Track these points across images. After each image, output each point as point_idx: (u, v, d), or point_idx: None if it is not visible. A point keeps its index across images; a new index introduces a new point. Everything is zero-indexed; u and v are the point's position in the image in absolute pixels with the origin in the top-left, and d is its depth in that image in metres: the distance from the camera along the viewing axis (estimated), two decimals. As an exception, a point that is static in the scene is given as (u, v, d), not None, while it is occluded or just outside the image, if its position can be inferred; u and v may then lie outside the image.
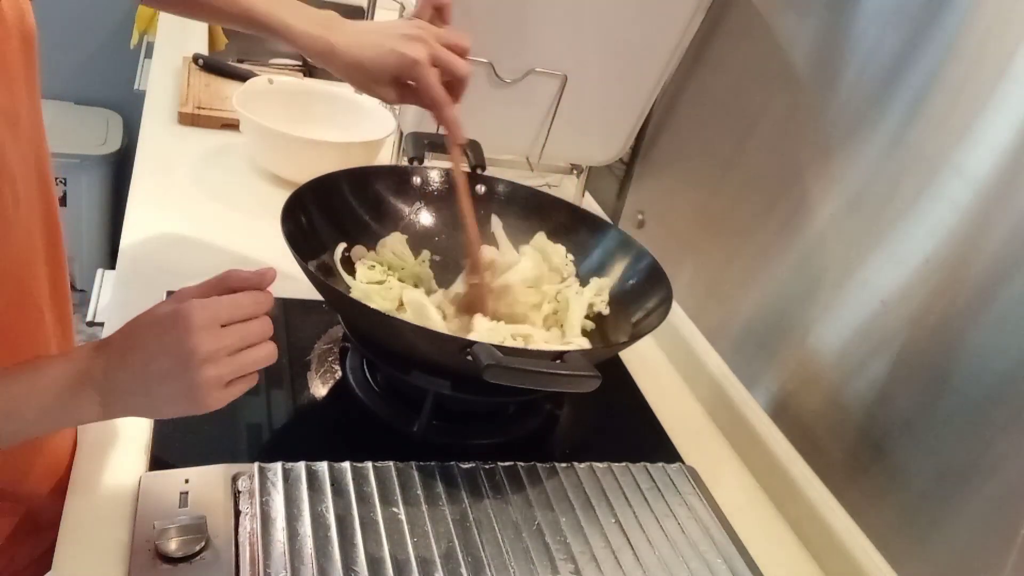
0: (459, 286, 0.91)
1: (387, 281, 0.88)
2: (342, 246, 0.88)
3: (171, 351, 0.54)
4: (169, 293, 0.86)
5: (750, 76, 0.98)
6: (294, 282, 0.82)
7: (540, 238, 0.93)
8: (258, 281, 0.59)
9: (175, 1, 0.82)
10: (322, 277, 0.76)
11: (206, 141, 1.27)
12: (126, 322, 0.57)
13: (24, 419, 0.55)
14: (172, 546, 0.60)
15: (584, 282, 0.91)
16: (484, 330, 0.79)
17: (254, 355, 0.57)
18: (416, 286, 0.90)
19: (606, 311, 0.88)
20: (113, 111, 2.36)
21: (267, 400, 0.79)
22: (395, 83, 0.77)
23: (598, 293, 0.88)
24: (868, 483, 0.77)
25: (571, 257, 0.92)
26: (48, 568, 0.78)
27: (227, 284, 0.58)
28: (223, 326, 0.55)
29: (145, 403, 0.56)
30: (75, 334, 0.82)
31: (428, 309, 0.80)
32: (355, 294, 0.84)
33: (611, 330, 0.87)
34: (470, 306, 0.85)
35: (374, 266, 0.89)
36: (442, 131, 0.81)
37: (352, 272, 0.88)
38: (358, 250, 0.90)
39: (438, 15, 0.79)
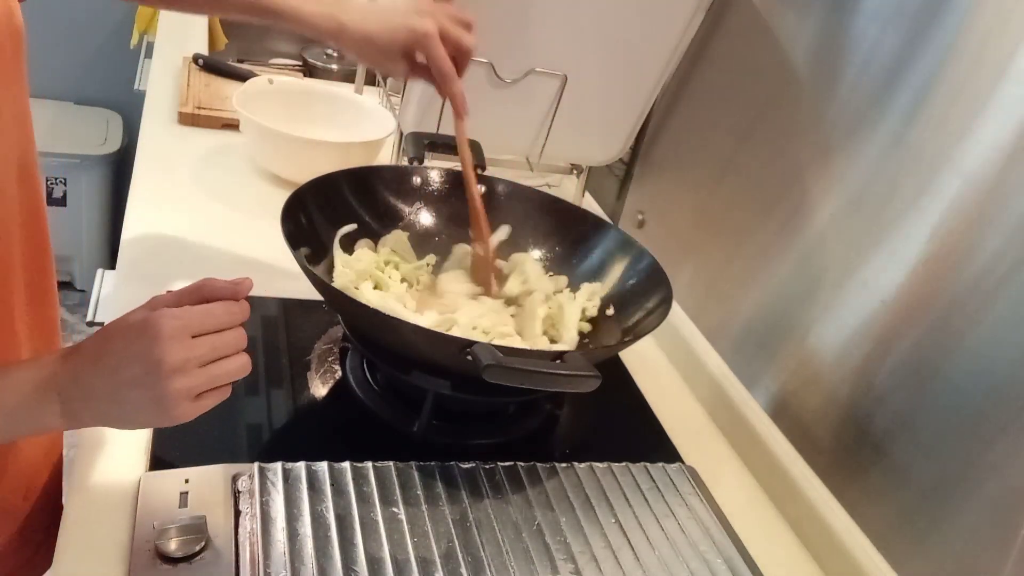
0: (444, 281, 0.92)
1: (386, 271, 0.89)
2: (340, 233, 0.89)
3: (140, 359, 0.52)
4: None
5: (750, 76, 0.98)
6: (294, 282, 0.82)
7: (520, 256, 0.94)
8: (233, 291, 0.57)
9: None
10: (322, 277, 0.76)
11: (206, 141, 1.27)
12: (98, 330, 0.56)
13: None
14: (172, 546, 0.60)
15: (576, 287, 0.91)
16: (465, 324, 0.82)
17: (226, 367, 0.55)
18: (412, 286, 0.90)
19: (597, 314, 0.88)
20: (113, 111, 2.36)
21: (267, 400, 0.79)
22: (405, 57, 0.78)
23: (589, 298, 0.89)
24: (868, 483, 0.77)
25: (551, 273, 0.94)
26: (43, 568, 0.78)
27: (202, 293, 0.57)
28: (195, 336, 0.54)
29: (113, 411, 0.55)
30: (75, 335, 0.82)
31: (390, 304, 0.82)
32: (338, 279, 0.85)
33: (611, 330, 0.87)
34: (476, 275, 0.88)
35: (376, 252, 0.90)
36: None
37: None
38: (364, 242, 0.90)
39: None
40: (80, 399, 0.54)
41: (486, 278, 0.90)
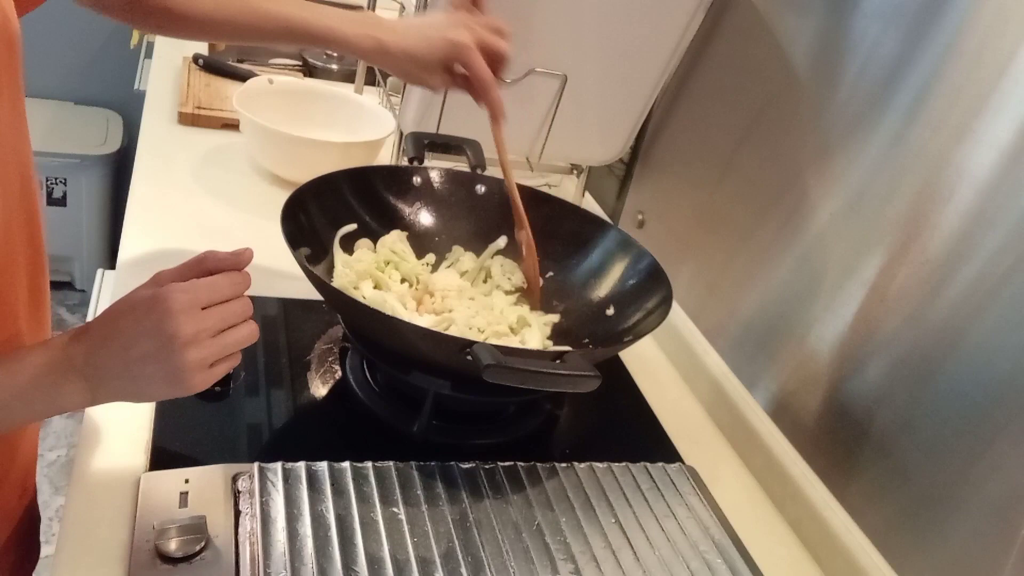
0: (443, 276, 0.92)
1: (386, 271, 0.89)
2: (340, 233, 0.89)
3: (152, 335, 0.54)
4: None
5: (750, 76, 0.98)
6: (294, 282, 0.82)
7: (493, 259, 0.94)
8: (235, 262, 0.59)
9: (206, 27, 0.82)
10: (322, 277, 0.76)
11: (206, 141, 1.27)
12: (105, 308, 0.57)
13: (4, 408, 0.55)
14: (172, 546, 0.60)
15: (581, 283, 0.92)
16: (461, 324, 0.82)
17: (235, 335, 0.57)
18: (412, 285, 0.90)
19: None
20: (113, 111, 2.36)
21: (267, 400, 0.79)
22: (444, 70, 0.81)
23: (547, 323, 0.89)
24: (868, 483, 0.77)
25: (551, 273, 0.95)
26: (31, 566, 0.79)
27: (204, 266, 0.58)
28: (204, 308, 0.55)
29: (129, 387, 0.56)
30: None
31: (391, 303, 0.83)
32: (338, 279, 0.85)
33: (611, 330, 0.87)
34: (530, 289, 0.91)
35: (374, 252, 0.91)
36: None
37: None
38: (364, 242, 0.91)
39: (475, 4, 0.83)
40: (95, 377, 0.55)
41: (533, 281, 0.91)
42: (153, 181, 1.12)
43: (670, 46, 1.06)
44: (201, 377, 0.56)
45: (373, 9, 1.44)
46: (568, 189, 1.33)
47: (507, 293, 0.90)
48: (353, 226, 0.90)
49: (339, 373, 0.85)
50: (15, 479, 0.73)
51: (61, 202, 2.18)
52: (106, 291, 0.94)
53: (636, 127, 1.16)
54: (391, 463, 0.72)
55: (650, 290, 0.85)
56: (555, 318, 0.90)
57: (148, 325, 0.54)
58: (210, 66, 1.46)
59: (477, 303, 0.87)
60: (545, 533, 0.70)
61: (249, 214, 1.11)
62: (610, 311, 0.89)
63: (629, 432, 0.90)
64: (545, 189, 1.19)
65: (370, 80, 1.49)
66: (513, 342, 0.84)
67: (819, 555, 0.80)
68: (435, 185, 0.96)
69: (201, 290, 0.56)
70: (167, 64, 1.49)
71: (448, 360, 0.70)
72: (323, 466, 0.70)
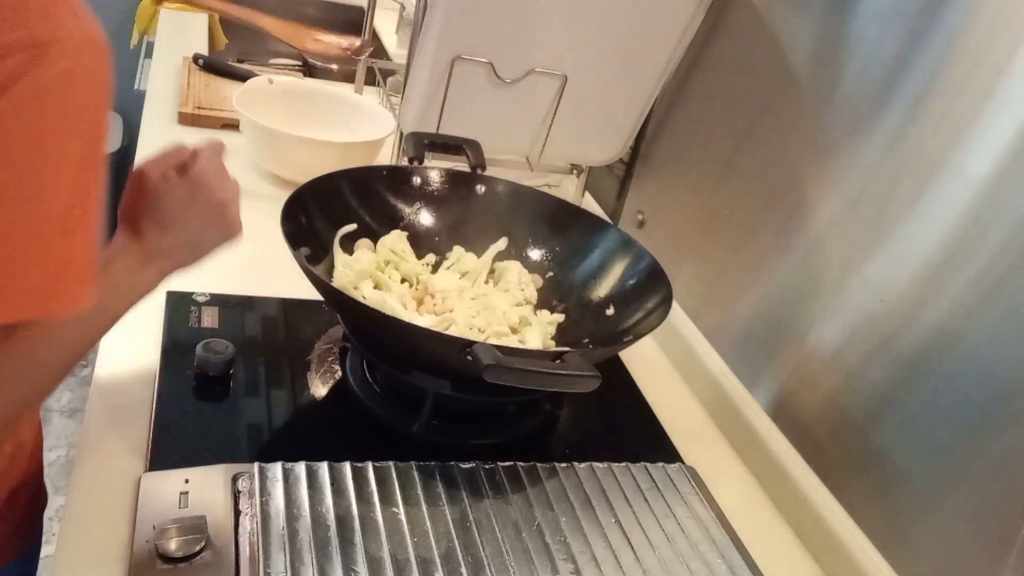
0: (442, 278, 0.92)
1: (386, 272, 0.89)
2: (340, 233, 0.89)
3: (205, 207, 0.66)
4: (169, 293, 0.86)
5: (750, 76, 0.98)
6: (294, 282, 0.82)
7: (509, 264, 0.94)
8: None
9: None
10: (322, 277, 0.76)
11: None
12: (129, 214, 0.64)
13: (126, 296, 0.63)
14: (172, 546, 0.60)
15: (581, 283, 0.92)
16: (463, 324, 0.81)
17: (237, 181, 0.70)
18: (412, 285, 0.90)
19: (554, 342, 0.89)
20: (113, 111, 2.35)
21: (267, 400, 0.79)
22: None
23: (551, 323, 0.89)
24: (868, 483, 0.77)
25: (551, 273, 0.94)
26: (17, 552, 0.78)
27: (181, 153, 0.67)
28: None
29: (196, 254, 0.67)
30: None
31: (391, 303, 0.83)
32: (338, 279, 0.85)
33: (611, 330, 0.87)
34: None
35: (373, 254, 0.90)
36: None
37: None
38: (364, 242, 0.91)
39: None
40: (166, 259, 0.65)
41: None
42: (153, 181, 1.12)
43: (670, 46, 1.06)
44: (240, 221, 0.69)
45: (373, 9, 1.44)
46: (568, 189, 1.33)
47: (517, 305, 0.90)
48: (353, 226, 0.90)
49: (339, 373, 0.85)
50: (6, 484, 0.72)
51: (61, 202, 2.17)
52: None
53: (636, 127, 1.16)
54: (391, 463, 0.72)
55: (650, 290, 0.85)
56: (560, 318, 0.90)
57: (200, 202, 0.65)
58: (210, 66, 1.46)
59: (478, 303, 0.87)
60: (545, 533, 0.70)
61: (249, 214, 1.11)
62: (610, 311, 0.89)
63: (629, 432, 0.90)
64: (545, 189, 1.19)
65: (370, 80, 1.49)
66: (513, 342, 0.84)
67: (819, 555, 0.80)
68: (435, 185, 0.96)
69: (215, 156, 0.67)
70: (167, 64, 1.49)
71: (448, 360, 0.70)
72: (323, 466, 0.70)
